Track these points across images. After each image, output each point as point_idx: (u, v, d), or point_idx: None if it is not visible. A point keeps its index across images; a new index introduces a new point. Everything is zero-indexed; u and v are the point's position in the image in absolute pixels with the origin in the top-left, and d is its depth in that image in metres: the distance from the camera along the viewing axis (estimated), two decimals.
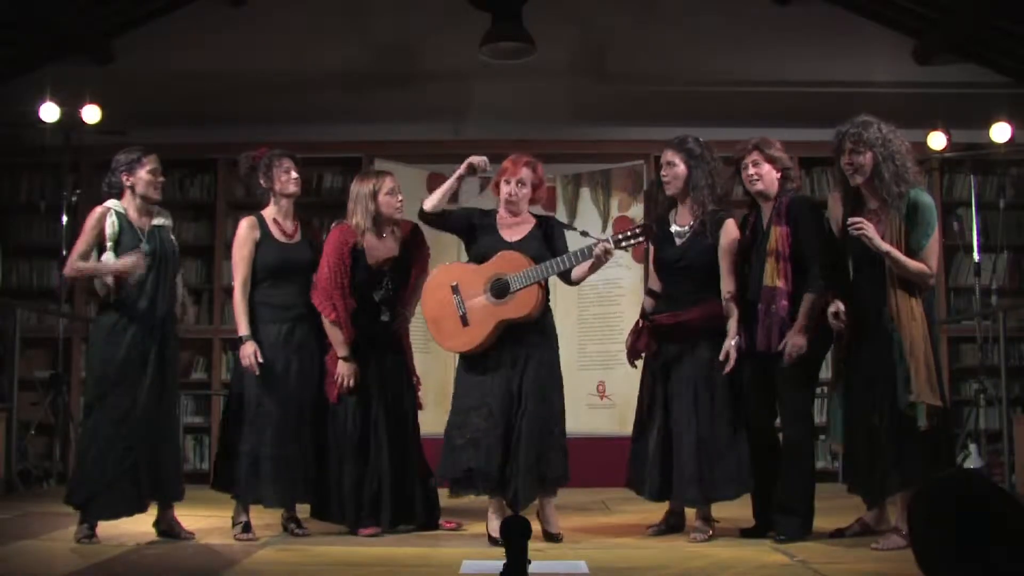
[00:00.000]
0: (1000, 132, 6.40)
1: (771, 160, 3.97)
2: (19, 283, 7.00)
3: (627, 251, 3.93)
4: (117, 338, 3.94)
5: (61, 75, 6.56)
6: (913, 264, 3.64)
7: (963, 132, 6.53)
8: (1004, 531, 1.72)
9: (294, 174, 4.27)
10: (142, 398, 3.91)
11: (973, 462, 5.91)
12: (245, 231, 4.22)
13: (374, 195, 4.22)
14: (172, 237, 4.17)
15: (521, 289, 3.92)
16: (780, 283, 3.83)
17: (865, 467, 3.79)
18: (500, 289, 3.95)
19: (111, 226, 4.00)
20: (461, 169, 4.08)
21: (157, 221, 4.12)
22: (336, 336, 4.12)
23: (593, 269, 3.96)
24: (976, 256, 6.51)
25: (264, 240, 4.22)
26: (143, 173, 4.05)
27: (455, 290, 4.03)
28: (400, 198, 4.26)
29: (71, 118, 6.29)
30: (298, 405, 4.14)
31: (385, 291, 4.22)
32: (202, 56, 6.96)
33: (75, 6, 6.44)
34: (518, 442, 3.89)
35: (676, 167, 4.06)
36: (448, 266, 4.29)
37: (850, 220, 3.69)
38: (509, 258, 4.00)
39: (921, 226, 3.67)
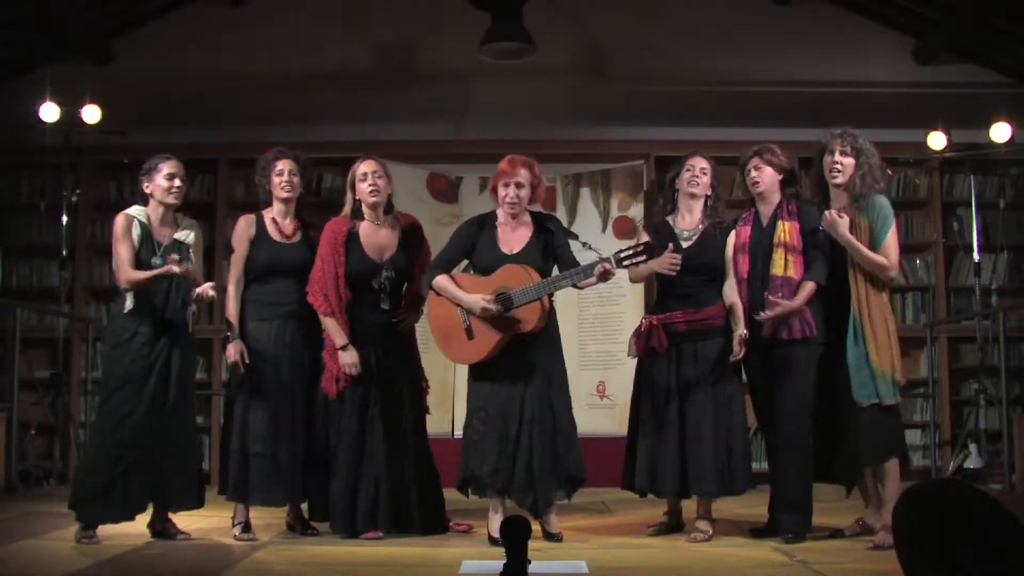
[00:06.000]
0: (1000, 132, 6.40)
1: (772, 164, 4.10)
2: (19, 283, 7.00)
3: (627, 269, 3.93)
4: (124, 347, 3.93)
5: (61, 75, 6.54)
6: (873, 256, 3.87)
7: (963, 132, 6.52)
8: (987, 536, 1.72)
9: (286, 178, 4.20)
10: (143, 406, 3.89)
11: (973, 462, 5.91)
12: (241, 229, 4.20)
13: (353, 183, 4.21)
14: (191, 255, 4.04)
15: (525, 304, 3.91)
16: (794, 274, 3.94)
17: (830, 453, 3.96)
18: (504, 303, 3.92)
19: (136, 237, 3.98)
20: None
21: (179, 235, 4.07)
22: (331, 326, 4.05)
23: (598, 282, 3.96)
24: (976, 256, 6.51)
25: (259, 238, 4.18)
26: (159, 179, 4.01)
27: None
28: (372, 182, 4.15)
29: (71, 118, 6.28)
30: (288, 403, 4.07)
31: (386, 278, 4.14)
32: (202, 56, 6.95)
33: (75, 6, 6.43)
34: (530, 449, 3.90)
35: (707, 176, 4.20)
36: (453, 276, 4.22)
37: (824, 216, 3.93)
38: (513, 272, 3.97)
39: (879, 221, 3.91)
